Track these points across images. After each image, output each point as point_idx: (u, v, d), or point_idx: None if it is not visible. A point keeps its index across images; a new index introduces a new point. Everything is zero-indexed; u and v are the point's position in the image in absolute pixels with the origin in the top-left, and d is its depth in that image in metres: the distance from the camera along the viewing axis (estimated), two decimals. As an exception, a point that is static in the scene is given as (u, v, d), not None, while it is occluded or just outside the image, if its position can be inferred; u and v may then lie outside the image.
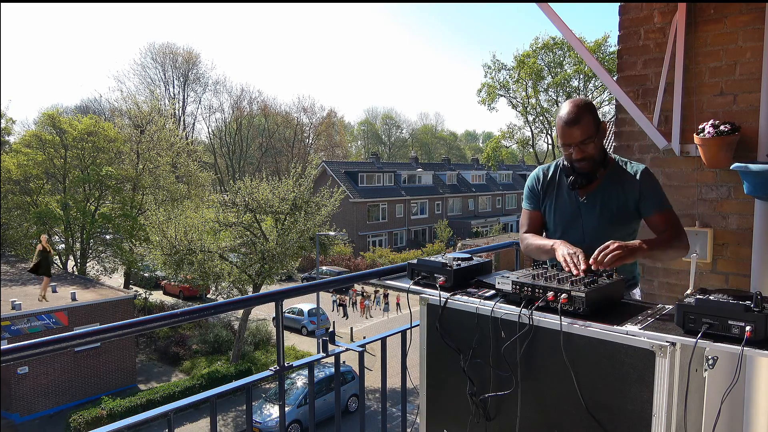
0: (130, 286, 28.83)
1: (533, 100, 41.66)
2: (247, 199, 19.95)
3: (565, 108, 2.19)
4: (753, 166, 2.38)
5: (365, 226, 42.11)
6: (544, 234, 2.44)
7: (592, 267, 1.83)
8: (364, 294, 28.34)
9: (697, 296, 1.52)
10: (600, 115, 2.28)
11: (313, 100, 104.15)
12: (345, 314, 26.83)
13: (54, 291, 19.33)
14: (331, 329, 22.76)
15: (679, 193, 2.98)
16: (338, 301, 27.61)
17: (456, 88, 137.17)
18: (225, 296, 21.06)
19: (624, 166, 2.27)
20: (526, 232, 2.41)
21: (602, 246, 1.86)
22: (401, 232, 45.08)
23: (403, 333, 2.64)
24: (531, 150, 47.60)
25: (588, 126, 2.14)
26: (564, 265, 1.91)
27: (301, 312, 24.65)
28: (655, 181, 2.24)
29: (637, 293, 2.44)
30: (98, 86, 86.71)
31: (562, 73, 39.44)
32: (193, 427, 15.55)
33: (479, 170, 54.30)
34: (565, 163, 2.29)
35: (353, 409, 15.92)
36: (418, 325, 2.12)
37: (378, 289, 29.11)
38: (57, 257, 27.04)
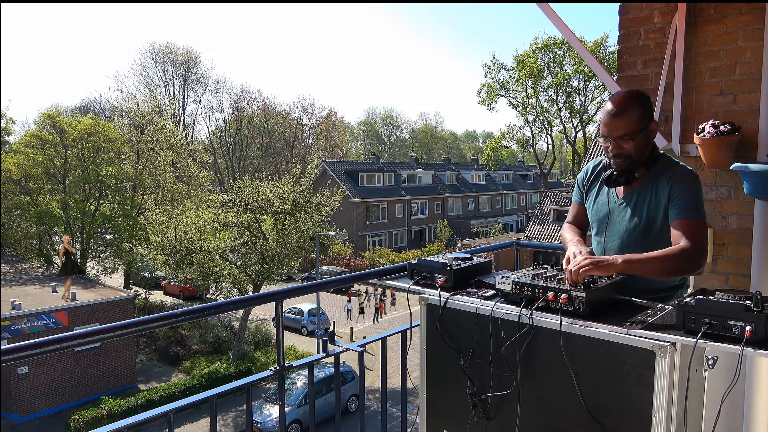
0: (130, 286, 28.82)
1: (533, 100, 41.68)
2: (247, 199, 19.94)
3: (615, 95, 2.03)
4: (753, 166, 2.38)
5: (365, 226, 42.10)
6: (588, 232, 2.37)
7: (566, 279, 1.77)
8: (380, 297, 28.23)
9: (697, 296, 1.52)
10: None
11: (313, 100, 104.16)
12: (373, 315, 26.66)
13: (54, 291, 19.33)
14: (331, 329, 22.76)
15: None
16: (359, 304, 27.39)
17: (456, 88, 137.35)
18: (225, 296, 21.04)
19: (670, 168, 2.05)
20: (567, 222, 2.38)
21: (573, 260, 1.79)
22: (401, 232, 45.08)
23: (403, 333, 2.64)
24: (531, 150, 47.62)
25: (632, 120, 1.97)
26: (564, 264, 1.91)
27: (301, 312, 24.65)
28: (689, 186, 1.98)
29: None
30: (98, 86, 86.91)
31: (562, 73, 39.45)
32: (193, 427, 15.55)
33: (479, 170, 54.32)
34: (605, 159, 2.14)
35: (353, 409, 15.91)
36: (418, 325, 2.12)
37: (377, 288, 29.11)
38: (57, 257, 27.06)
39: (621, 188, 2.15)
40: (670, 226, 2.00)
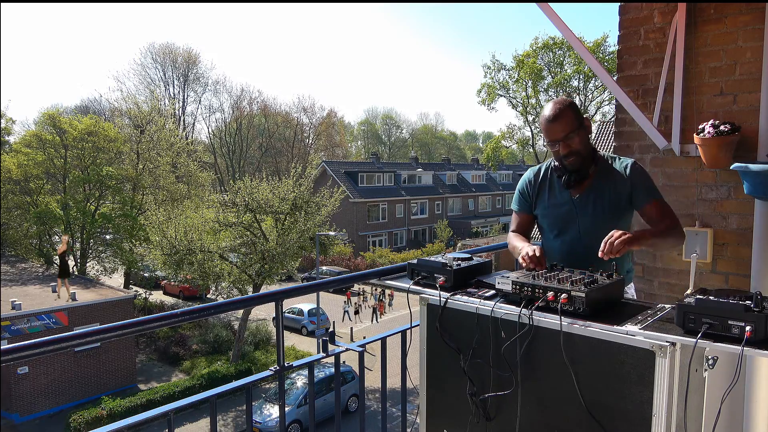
0: (130, 286, 28.82)
1: (533, 100, 41.65)
2: (247, 199, 19.94)
3: (546, 107, 2.26)
4: (753, 166, 2.38)
5: (365, 226, 42.11)
6: (539, 236, 2.52)
7: (601, 257, 1.87)
8: (379, 298, 28.22)
9: (697, 296, 1.52)
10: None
11: (313, 100, 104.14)
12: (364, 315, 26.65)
13: (54, 291, 19.33)
14: (331, 329, 22.76)
15: (679, 193, 2.98)
16: (355, 305, 27.39)
17: (456, 88, 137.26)
18: (225, 296, 21.05)
19: (613, 162, 2.31)
20: (512, 231, 2.50)
21: (607, 236, 1.89)
22: (401, 232, 45.08)
23: (403, 333, 2.64)
24: (531, 150, 47.60)
25: (569, 120, 2.20)
26: (522, 262, 2.00)
27: (301, 312, 24.65)
28: (644, 173, 2.28)
29: (631, 289, 2.47)
30: (98, 86, 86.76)
31: (562, 73, 39.44)
32: (193, 427, 15.55)
33: (479, 170, 54.31)
34: (556, 163, 2.33)
35: (353, 409, 15.92)
36: (418, 325, 2.12)
37: (377, 288, 29.11)
38: (57, 257, 27.06)
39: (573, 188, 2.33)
40: (628, 213, 2.29)
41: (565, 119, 2.20)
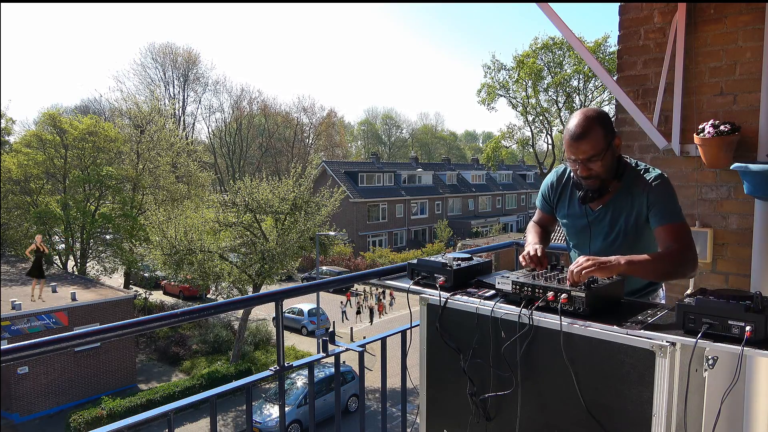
0: (130, 286, 28.82)
1: (533, 100, 41.65)
2: (247, 199, 19.95)
3: (574, 119, 2.00)
4: (753, 166, 2.38)
5: (365, 226, 42.11)
6: (565, 242, 2.44)
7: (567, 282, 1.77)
8: (379, 297, 28.20)
9: (697, 296, 1.52)
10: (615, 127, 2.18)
11: (313, 100, 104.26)
12: (370, 316, 26.68)
13: (54, 291, 19.32)
14: (331, 329, 22.75)
15: (679, 193, 2.95)
16: (357, 305, 27.33)
17: (456, 88, 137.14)
18: (225, 296, 21.05)
19: (640, 175, 2.07)
20: (534, 221, 2.44)
21: (575, 261, 1.78)
22: (401, 232, 45.08)
23: (403, 333, 2.64)
24: (531, 150, 47.60)
25: (596, 142, 1.96)
26: (522, 261, 1.97)
27: (301, 312, 24.65)
28: (665, 192, 2.03)
29: (660, 295, 2.31)
30: (98, 86, 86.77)
31: (561, 73, 39.43)
32: (193, 427, 15.55)
33: (479, 170, 54.30)
34: (575, 177, 2.15)
35: (353, 409, 15.92)
36: (418, 325, 2.12)
37: (377, 288, 29.12)
38: (57, 257, 27.06)
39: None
40: (650, 232, 2.05)
41: (592, 140, 1.95)
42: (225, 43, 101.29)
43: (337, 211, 23.27)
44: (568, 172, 2.26)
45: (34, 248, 17.71)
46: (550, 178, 2.34)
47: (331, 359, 2.53)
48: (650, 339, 1.49)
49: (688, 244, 1.94)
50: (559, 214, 2.32)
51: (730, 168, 2.49)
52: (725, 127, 2.63)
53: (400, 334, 2.66)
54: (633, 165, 2.13)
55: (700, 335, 1.43)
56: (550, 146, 48.78)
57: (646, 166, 2.12)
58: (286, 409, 14.36)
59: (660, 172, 2.09)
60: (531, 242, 2.21)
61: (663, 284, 2.34)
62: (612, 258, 1.80)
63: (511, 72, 41.32)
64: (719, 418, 1.54)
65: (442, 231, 42.26)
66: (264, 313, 25.58)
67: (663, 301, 2.33)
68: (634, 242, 2.09)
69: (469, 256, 2.17)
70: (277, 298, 2.34)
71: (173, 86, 51.02)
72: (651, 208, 2.02)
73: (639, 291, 2.23)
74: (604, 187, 2.07)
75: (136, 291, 26.66)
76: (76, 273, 25.92)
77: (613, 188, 2.10)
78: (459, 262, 2.08)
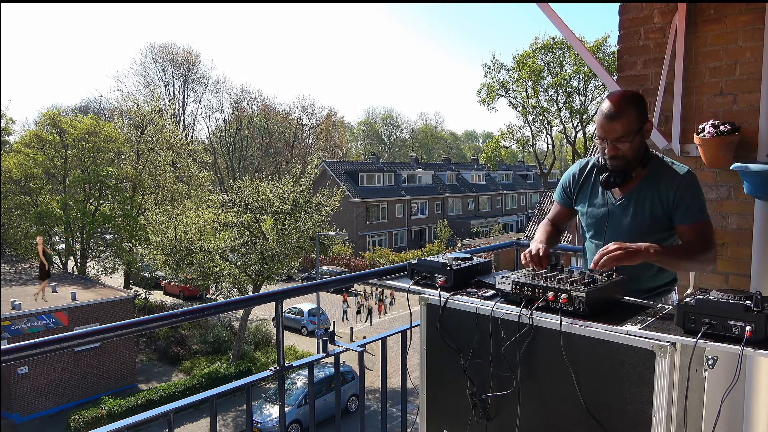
0: (130, 286, 28.82)
1: (533, 100, 41.67)
2: (247, 199, 19.95)
3: (609, 98, 2.03)
4: (753, 166, 2.38)
5: (365, 226, 42.10)
6: (579, 234, 2.41)
7: (592, 268, 1.83)
8: (380, 298, 28.20)
9: (697, 296, 1.52)
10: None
11: (313, 100, 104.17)
12: (368, 317, 26.65)
13: (54, 291, 19.32)
14: (331, 329, 22.75)
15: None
16: (358, 305, 27.35)
17: (456, 88, 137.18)
18: (225, 296, 21.05)
19: (666, 168, 2.09)
20: (548, 219, 2.41)
21: (603, 247, 1.83)
22: (401, 232, 45.08)
23: (403, 333, 2.64)
24: (531, 150, 47.63)
25: (629, 123, 1.98)
26: (522, 260, 1.97)
27: (301, 312, 24.64)
28: (693, 189, 2.05)
29: (673, 297, 2.29)
30: (98, 86, 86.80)
31: (562, 73, 39.44)
32: (193, 427, 15.55)
33: (479, 170, 54.30)
34: (601, 159, 2.16)
35: (353, 409, 15.91)
36: (418, 325, 2.12)
37: (378, 288, 29.11)
38: (57, 257, 27.05)
39: (617, 189, 2.16)
40: (666, 224, 2.08)
41: (625, 121, 1.97)
42: (225, 43, 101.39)
43: (337, 211, 23.27)
44: (591, 164, 2.27)
45: (42, 250, 17.88)
46: (573, 169, 2.34)
47: (331, 359, 2.53)
48: (650, 339, 1.49)
49: (713, 241, 2.02)
50: (578, 205, 2.31)
51: (730, 168, 2.49)
52: (725, 127, 2.63)
53: (400, 334, 2.66)
54: (660, 156, 2.15)
55: (700, 335, 1.43)
56: (550, 146, 48.80)
57: (672, 160, 2.15)
58: (286, 409, 14.36)
59: (688, 168, 2.10)
60: (536, 240, 2.20)
61: (676, 287, 2.32)
62: (642, 245, 1.82)
63: (511, 72, 41.36)
64: (719, 418, 1.54)
65: (442, 231, 42.26)
66: (264, 313, 25.58)
67: (674, 303, 2.30)
68: (654, 234, 2.07)
69: (469, 256, 2.17)
70: (277, 298, 2.34)
71: (173, 86, 51.07)
72: (680, 202, 2.04)
73: (655, 289, 2.18)
74: (628, 171, 2.07)
75: (136, 291, 26.66)
76: (76, 273, 25.92)
77: (637, 176, 2.11)
78: (459, 262, 2.08)
